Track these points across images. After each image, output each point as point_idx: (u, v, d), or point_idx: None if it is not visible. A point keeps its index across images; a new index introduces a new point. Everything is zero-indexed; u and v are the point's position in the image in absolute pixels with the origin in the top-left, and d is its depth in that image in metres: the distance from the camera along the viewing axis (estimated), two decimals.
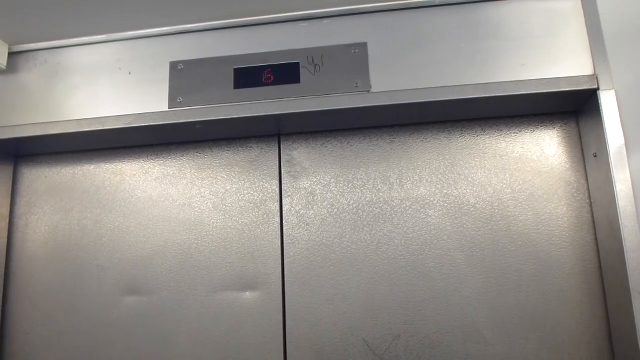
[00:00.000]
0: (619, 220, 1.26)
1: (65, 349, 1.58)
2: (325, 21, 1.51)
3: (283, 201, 1.59)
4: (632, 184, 1.26)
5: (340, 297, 1.50)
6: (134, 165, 1.68)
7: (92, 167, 1.70)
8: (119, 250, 1.62)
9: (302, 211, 1.57)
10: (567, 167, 1.49)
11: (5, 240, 1.67)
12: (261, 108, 1.46)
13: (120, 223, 1.64)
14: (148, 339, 1.55)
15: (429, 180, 1.54)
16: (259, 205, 1.60)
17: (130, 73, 1.56)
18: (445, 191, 1.52)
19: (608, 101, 1.32)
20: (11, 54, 1.62)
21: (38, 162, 1.74)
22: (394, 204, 1.54)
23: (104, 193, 1.67)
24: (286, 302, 1.52)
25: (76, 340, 1.58)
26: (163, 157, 1.68)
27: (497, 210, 1.49)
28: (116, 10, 1.46)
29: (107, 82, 1.57)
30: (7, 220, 1.69)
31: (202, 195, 1.63)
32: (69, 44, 1.61)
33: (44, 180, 1.72)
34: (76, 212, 1.67)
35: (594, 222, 1.43)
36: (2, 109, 1.59)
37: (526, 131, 1.53)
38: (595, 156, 1.39)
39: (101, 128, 1.51)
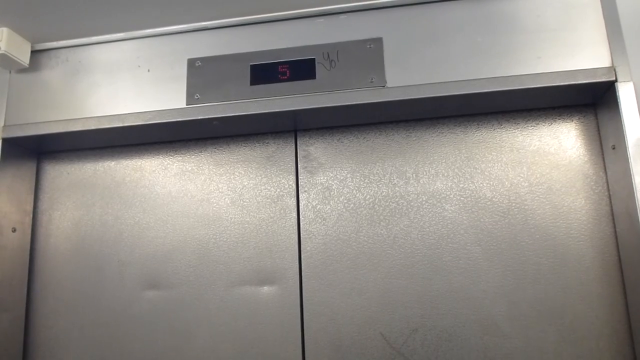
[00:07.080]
0: (638, 213, 1.25)
1: (87, 342, 1.61)
2: (341, 17, 1.51)
3: (300, 196, 1.61)
4: None
5: (357, 291, 1.51)
6: (153, 161, 1.71)
7: (113, 163, 1.73)
8: (139, 245, 1.65)
9: (318, 206, 1.58)
10: (585, 159, 1.47)
11: (29, 235, 1.71)
12: (277, 104, 1.47)
13: (140, 218, 1.67)
14: (168, 332, 1.57)
15: (445, 174, 1.54)
16: (276, 200, 1.61)
17: (149, 70, 1.58)
18: (461, 185, 1.52)
19: (626, 93, 1.31)
20: (33, 52, 1.64)
21: (60, 158, 1.77)
22: (410, 199, 1.54)
23: (125, 189, 1.70)
24: (303, 297, 1.53)
25: (98, 333, 1.61)
26: (181, 153, 1.70)
27: (514, 204, 1.48)
28: (135, 8, 1.49)
29: (126, 80, 1.59)
30: (31, 216, 1.72)
31: (220, 190, 1.65)
32: (89, 42, 1.63)
33: (66, 177, 1.75)
34: (97, 208, 1.70)
35: (612, 214, 1.42)
36: (24, 106, 1.62)
37: (543, 124, 1.52)
38: (614, 148, 1.37)
39: (121, 125, 1.54)
